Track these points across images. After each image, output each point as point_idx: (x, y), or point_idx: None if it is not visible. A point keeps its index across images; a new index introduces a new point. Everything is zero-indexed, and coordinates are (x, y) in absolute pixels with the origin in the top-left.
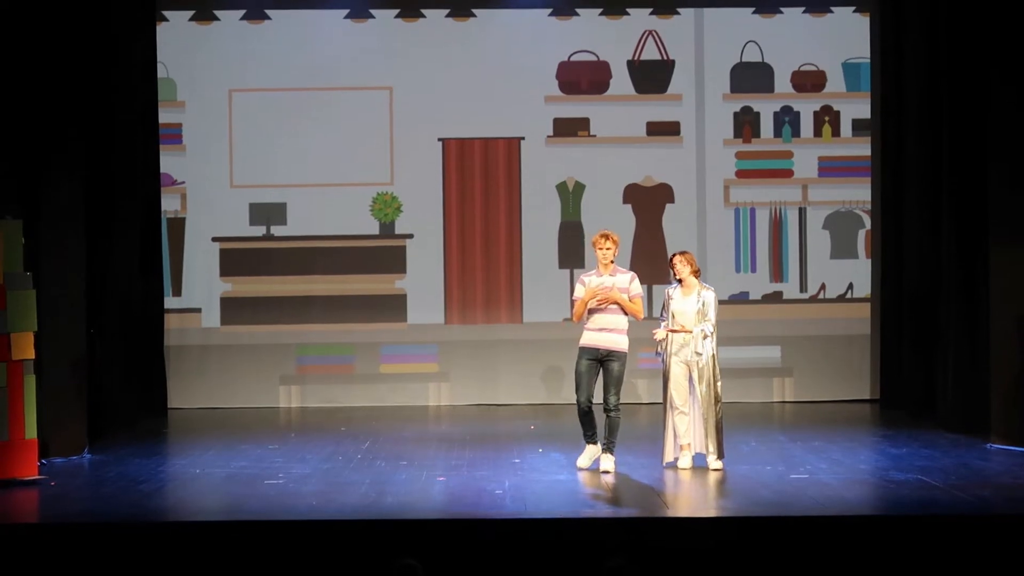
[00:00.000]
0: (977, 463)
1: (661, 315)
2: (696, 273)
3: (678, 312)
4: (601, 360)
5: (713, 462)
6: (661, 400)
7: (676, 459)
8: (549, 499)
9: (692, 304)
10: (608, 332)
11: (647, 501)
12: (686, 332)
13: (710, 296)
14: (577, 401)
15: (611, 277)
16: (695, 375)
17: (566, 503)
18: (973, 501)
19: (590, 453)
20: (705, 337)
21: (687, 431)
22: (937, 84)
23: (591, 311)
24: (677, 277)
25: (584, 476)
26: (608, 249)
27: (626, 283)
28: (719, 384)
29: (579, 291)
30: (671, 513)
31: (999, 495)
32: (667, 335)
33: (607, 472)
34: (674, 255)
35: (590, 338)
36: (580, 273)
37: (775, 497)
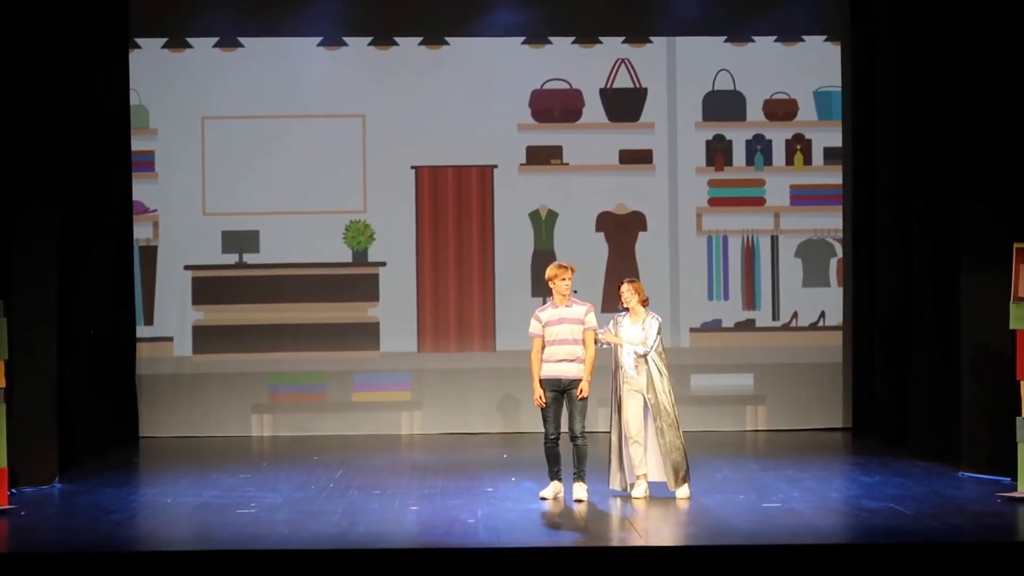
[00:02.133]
0: (949, 491)
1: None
2: (644, 302)
3: (626, 340)
4: (564, 390)
5: (682, 491)
6: (608, 428)
7: (629, 487)
8: (522, 528)
9: (637, 333)
10: (567, 363)
11: (620, 530)
12: (618, 344)
13: (653, 324)
14: (545, 434)
15: (567, 308)
16: (650, 404)
17: (539, 532)
18: (945, 529)
19: (554, 489)
20: (638, 357)
21: (642, 462)
22: (908, 112)
23: (549, 343)
24: (624, 306)
25: (556, 505)
26: (569, 280)
27: (581, 315)
28: (673, 412)
29: (535, 327)
30: (644, 542)
31: (971, 523)
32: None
33: (580, 501)
34: (622, 283)
35: (551, 370)
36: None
37: (748, 526)
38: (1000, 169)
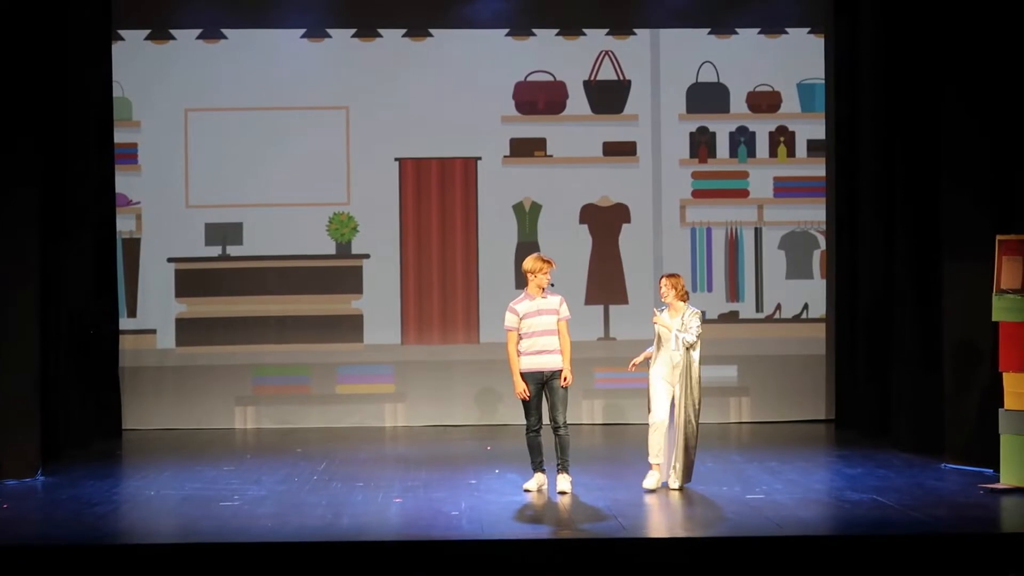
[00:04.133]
0: (931, 483)
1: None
2: (683, 297)
3: (662, 334)
4: (545, 382)
5: (673, 482)
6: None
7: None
8: (505, 520)
9: (676, 327)
10: (548, 354)
11: (604, 522)
12: (665, 328)
13: (694, 318)
14: (527, 427)
15: (543, 299)
16: (678, 395)
17: (522, 524)
18: (927, 521)
19: (538, 481)
20: (686, 347)
21: (660, 451)
22: (892, 104)
23: (526, 336)
24: (664, 300)
25: (540, 497)
26: (549, 274)
27: (556, 305)
28: (699, 406)
29: (511, 320)
30: (628, 534)
31: (953, 514)
32: (642, 359)
33: (563, 493)
34: (661, 277)
35: (531, 362)
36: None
37: (731, 517)
38: (982, 161)
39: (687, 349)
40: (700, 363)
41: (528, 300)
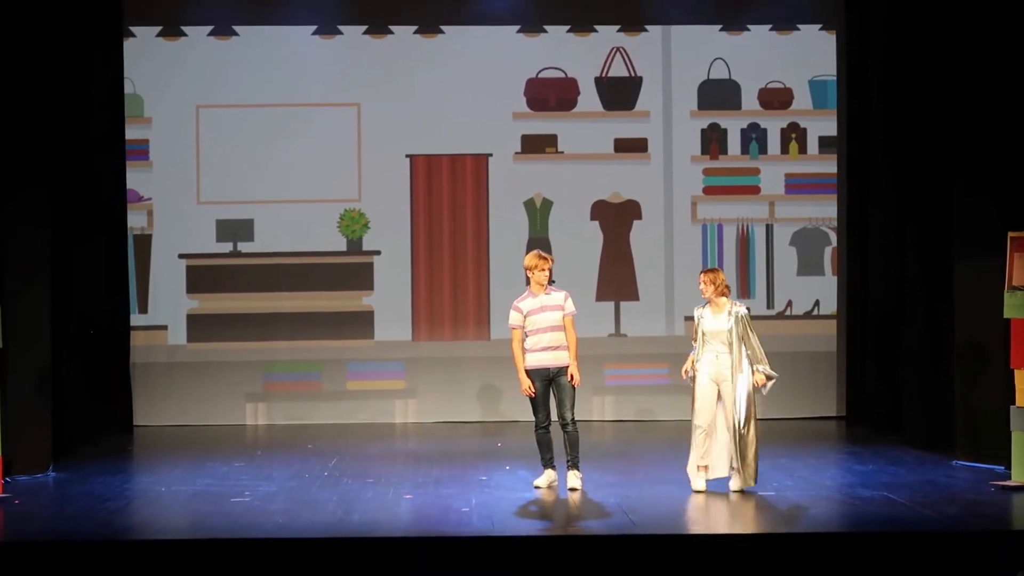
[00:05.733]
0: (942, 480)
1: (693, 340)
2: (723, 292)
3: (709, 332)
4: (552, 378)
5: (735, 483)
6: (689, 418)
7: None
8: (516, 517)
9: (723, 323)
10: (554, 350)
11: (614, 519)
12: (769, 378)
13: (743, 312)
14: (536, 423)
15: (546, 296)
16: (725, 394)
17: (533, 521)
18: (938, 518)
19: (548, 477)
20: (769, 380)
21: (707, 452)
22: (902, 102)
23: (532, 333)
24: (704, 296)
25: (551, 494)
26: (547, 271)
27: (560, 301)
28: (754, 404)
29: (515, 318)
30: (638, 531)
31: (964, 512)
32: (690, 363)
33: (574, 489)
34: (700, 273)
35: (538, 359)
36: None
37: (742, 514)
38: (994, 157)
39: (730, 345)
40: (747, 361)
41: (531, 297)
